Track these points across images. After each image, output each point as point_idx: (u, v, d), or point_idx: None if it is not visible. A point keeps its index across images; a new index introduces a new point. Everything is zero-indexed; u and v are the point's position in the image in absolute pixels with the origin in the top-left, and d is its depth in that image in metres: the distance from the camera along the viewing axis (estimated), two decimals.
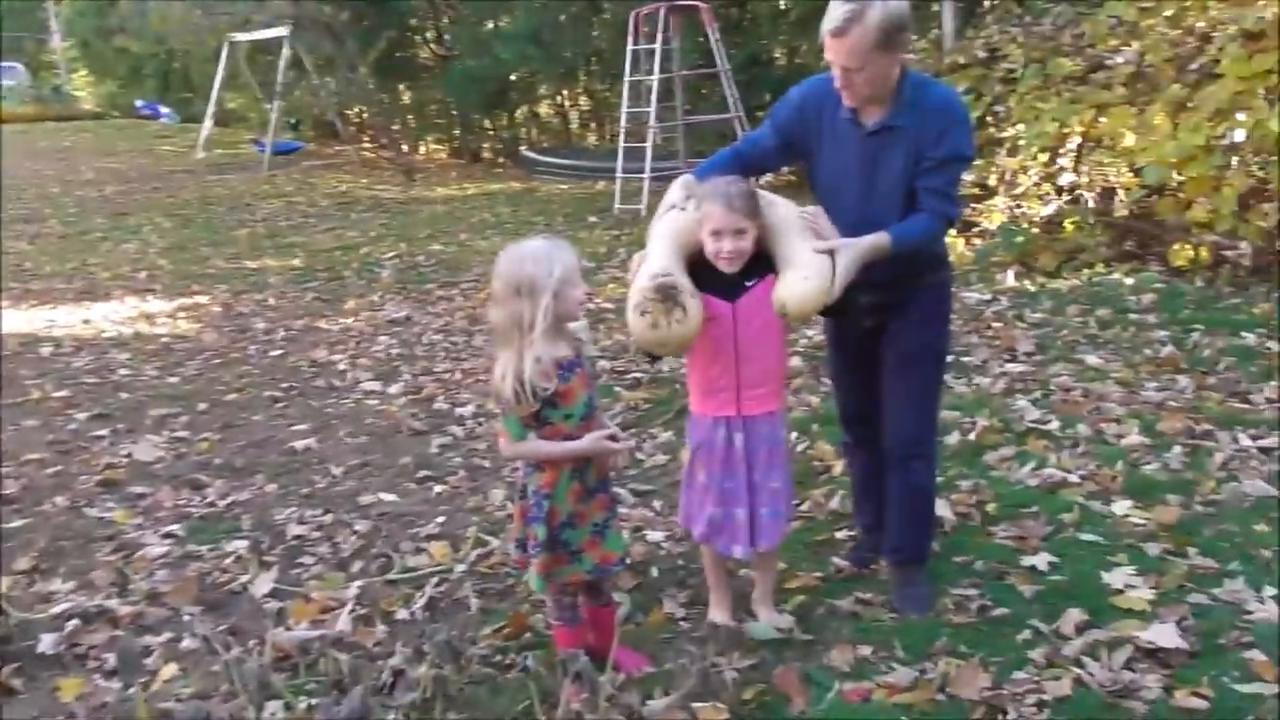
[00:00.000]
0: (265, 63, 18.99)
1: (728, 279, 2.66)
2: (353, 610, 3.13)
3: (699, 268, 2.69)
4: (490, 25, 15.81)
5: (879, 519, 3.17)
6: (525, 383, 2.42)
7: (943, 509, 3.53)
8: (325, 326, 7.19)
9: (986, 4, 10.66)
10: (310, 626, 3.03)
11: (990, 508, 3.60)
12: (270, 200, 13.69)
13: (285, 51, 16.23)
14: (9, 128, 28.31)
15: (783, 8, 10.97)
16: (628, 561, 2.90)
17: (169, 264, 9.73)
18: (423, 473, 4.41)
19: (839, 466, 3.93)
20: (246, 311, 7.75)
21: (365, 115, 17.56)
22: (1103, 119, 6.17)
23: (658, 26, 10.62)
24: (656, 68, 10.60)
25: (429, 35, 17.87)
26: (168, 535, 3.87)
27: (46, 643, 3.02)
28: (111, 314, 7.77)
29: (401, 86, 18.18)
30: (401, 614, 3.15)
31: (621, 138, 11.28)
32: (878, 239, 2.63)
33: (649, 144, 10.59)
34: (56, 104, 32.72)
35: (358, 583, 3.35)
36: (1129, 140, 5.99)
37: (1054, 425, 4.26)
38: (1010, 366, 5.06)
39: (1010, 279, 6.55)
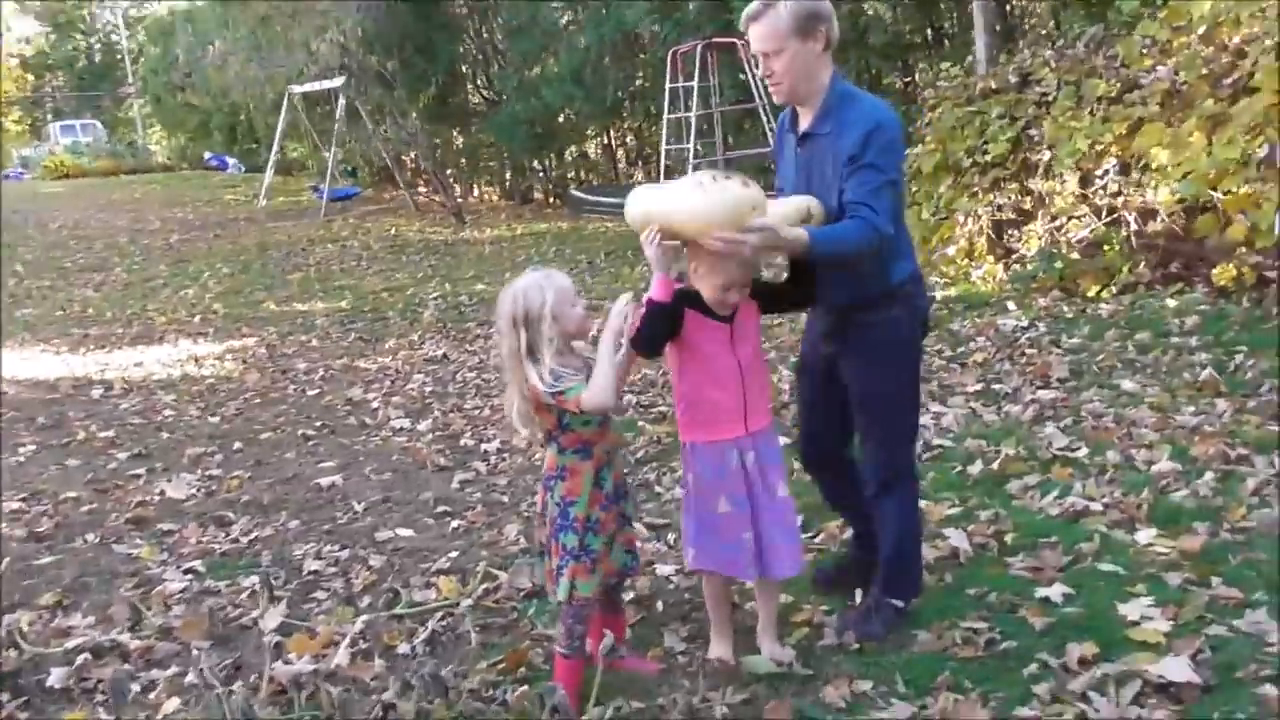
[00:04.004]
0: (324, 112, 19.57)
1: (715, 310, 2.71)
2: (353, 644, 3.13)
3: (694, 301, 2.76)
4: (535, 69, 16.06)
5: (863, 524, 3.15)
6: (552, 377, 2.52)
7: (959, 540, 3.46)
8: (364, 365, 7.30)
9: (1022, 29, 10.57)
10: (310, 660, 3.04)
11: (1009, 538, 3.50)
12: (325, 244, 14.03)
13: (341, 100, 16.69)
14: (85, 181, 29.59)
15: None
16: (635, 573, 2.99)
17: (223, 308, 10.01)
18: (441, 508, 4.43)
19: None
20: (290, 352, 7.92)
21: (419, 160, 17.96)
22: (1137, 137, 6.02)
23: (695, 64, 10.70)
24: (695, 104, 10.67)
25: (478, 80, 18.23)
26: (189, 571, 3.93)
27: (56, 676, 3.07)
28: (163, 357, 8.00)
29: (454, 131, 18.54)
30: (403, 648, 3.15)
31: (662, 174, 11.34)
32: (797, 232, 2.57)
33: None
34: (130, 158, 34.19)
35: (364, 617, 3.36)
36: (1163, 157, 5.83)
37: (1082, 452, 4.14)
38: (1042, 393, 4.93)
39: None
